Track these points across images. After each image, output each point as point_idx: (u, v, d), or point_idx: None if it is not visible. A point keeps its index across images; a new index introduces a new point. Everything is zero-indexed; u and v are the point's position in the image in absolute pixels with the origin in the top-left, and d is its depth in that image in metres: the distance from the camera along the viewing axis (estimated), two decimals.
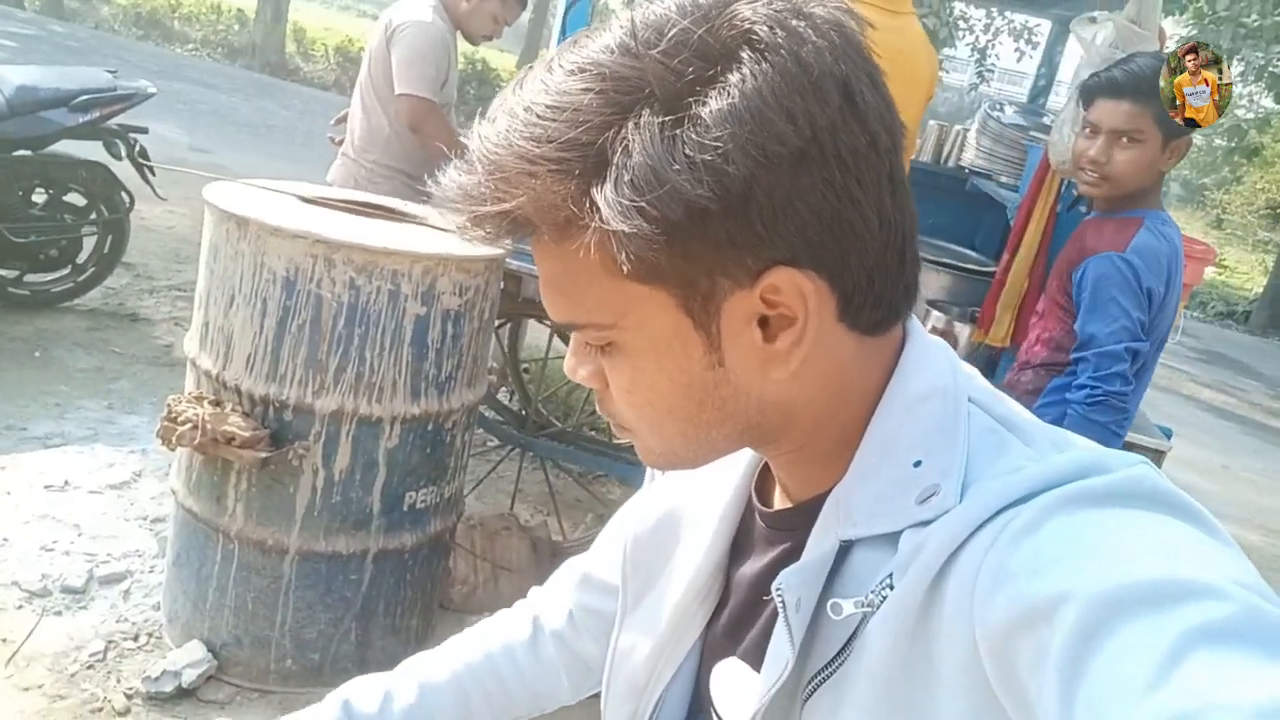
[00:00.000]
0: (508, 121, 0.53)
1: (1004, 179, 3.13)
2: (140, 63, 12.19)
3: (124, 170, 4.07)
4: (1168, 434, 2.60)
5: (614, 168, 0.50)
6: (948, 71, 19.44)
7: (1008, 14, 14.89)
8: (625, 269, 0.52)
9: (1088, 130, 1.95)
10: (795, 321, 0.55)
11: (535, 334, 3.88)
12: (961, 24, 15.63)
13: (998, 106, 3.33)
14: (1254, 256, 20.96)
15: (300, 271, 1.93)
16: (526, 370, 3.70)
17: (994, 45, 16.10)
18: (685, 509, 0.76)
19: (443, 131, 2.95)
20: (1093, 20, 2.11)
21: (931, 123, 3.90)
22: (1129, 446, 2.46)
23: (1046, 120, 3.23)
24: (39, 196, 3.94)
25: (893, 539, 0.57)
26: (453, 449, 2.24)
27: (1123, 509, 0.49)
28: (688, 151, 0.49)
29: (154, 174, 4.07)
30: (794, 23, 0.51)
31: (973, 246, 3.47)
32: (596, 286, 0.55)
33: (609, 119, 0.50)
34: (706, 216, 0.50)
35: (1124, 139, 1.88)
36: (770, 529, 0.68)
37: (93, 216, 4.05)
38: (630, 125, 0.50)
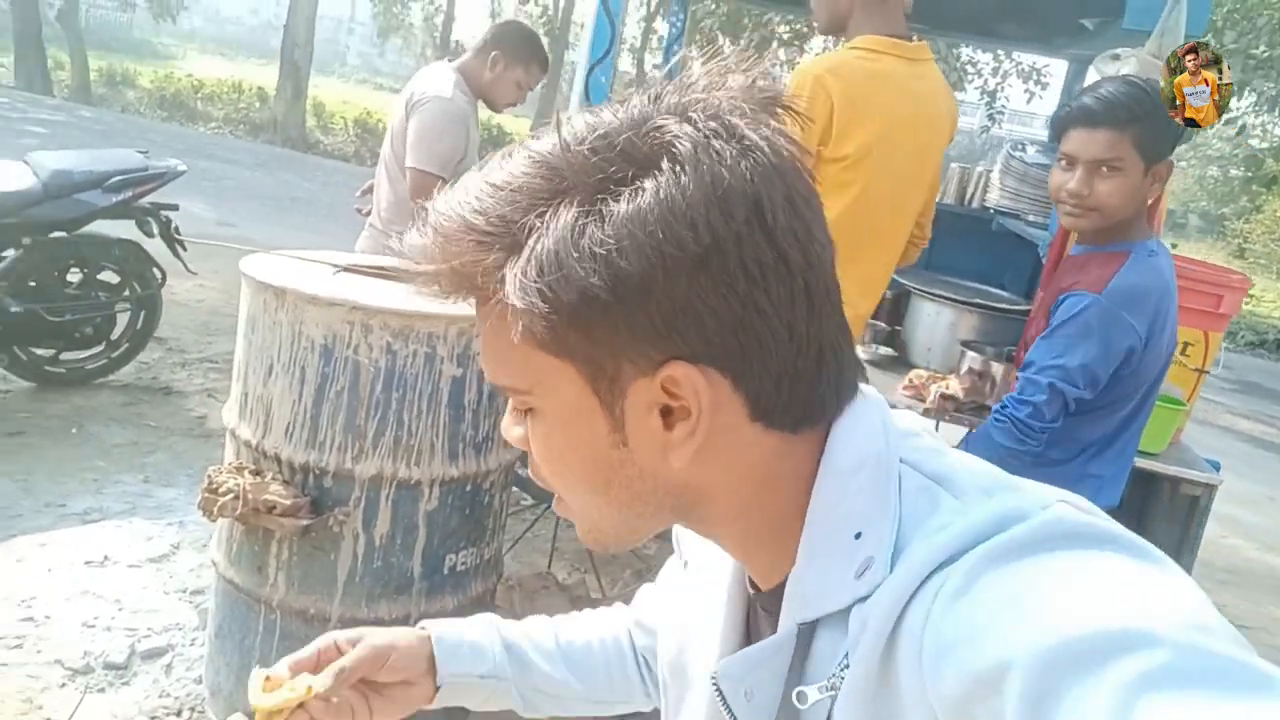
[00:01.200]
0: (462, 194, 0.58)
1: (1031, 217, 3.13)
2: (166, 143, 12.51)
3: (155, 247, 4.15)
4: (1216, 467, 2.55)
5: (527, 248, 0.54)
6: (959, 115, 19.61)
7: (1015, 57, 15.04)
8: (526, 340, 0.56)
9: (1064, 162, 1.87)
10: (690, 415, 0.58)
11: None
12: (970, 68, 15.82)
13: (1019, 146, 3.34)
14: (1279, 284, 20.78)
15: (338, 338, 1.95)
16: None
17: (1003, 87, 16.24)
18: (698, 605, 0.77)
19: None
20: (1116, 57, 2.12)
21: (953, 165, 3.91)
22: (1180, 484, 2.41)
23: None
24: (74, 276, 4.02)
25: (845, 618, 0.58)
26: (491, 509, 2.23)
27: (1046, 555, 0.50)
28: (590, 243, 0.53)
29: (185, 249, 4.16)
30: (717, 143, 0.55)
31: (1002, 286, 3.46)
32: (513, 352, 0.59)
33: (536, 203, 0.55)
34: (602, 305, 0.54)
35: (1104, 168, 1.80)
36: (765, 612, 0.68)
37: (126, 293, 4.12)
38: (550, 212, 0.54)
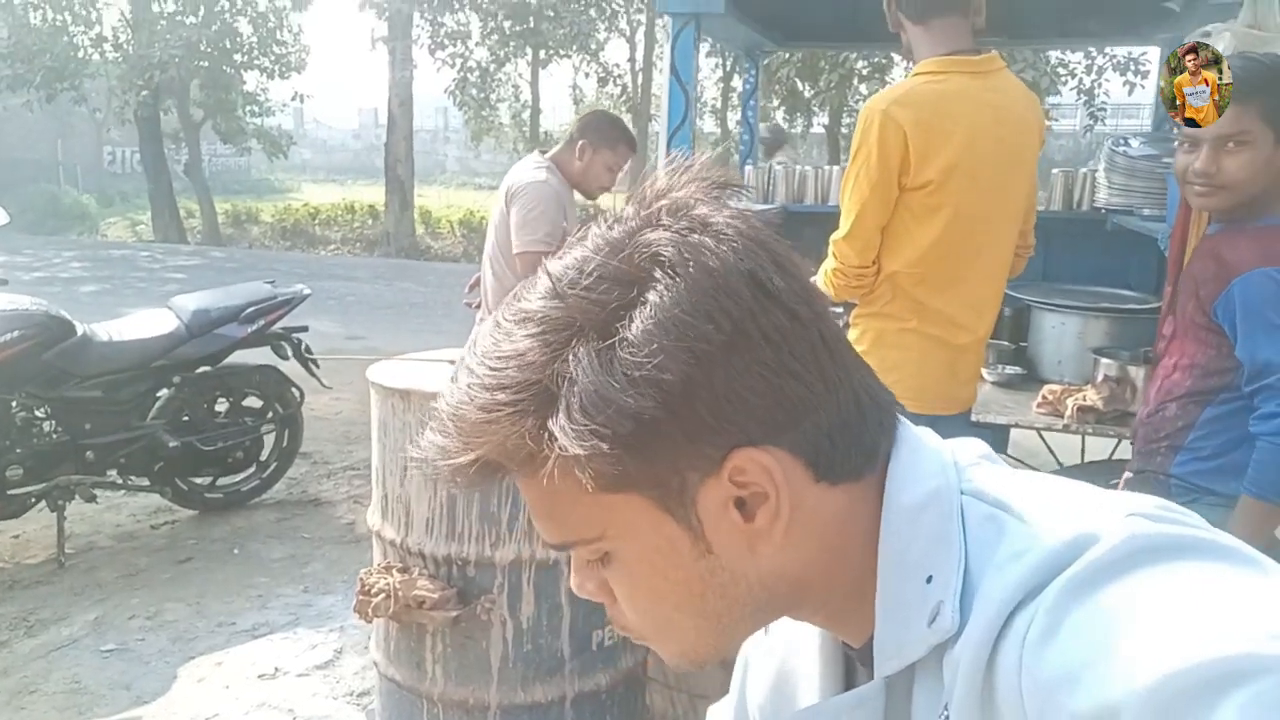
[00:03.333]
0: (467, 378, 0.58)
1: (1146, 211, 2.99)
2: (291, 269, 13.32)
3: (291, 368, 4.40)
4: None
5: (563, 398, 0.54)
6: (1056, 119, 19.01)
7: (1108, 51, 14.54)
8: (592, 486, 0.55)
9: (1185, 145, 1.81)
10: (769, 497, 0.57)
11: None
12: (1061, 69, 15.37)
13: (1122, 141, 3.21)
14: None
15: None
16: None
17: (1100, 84, 15.69)
18: (793, 660, 0.75)
19: None
20: (1207, 35, 2.04)
21: (1055, 171, 3.79)
22: None
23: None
24: (221, 405, 4.29)
25: (939, 666, 0.56)
26: None
27: (1128, 577, 0.49)
28: (625, 370, 0.53)
29: (318, 366, 4.40)
30: (695, 237, 0.56)
31: (1127, 286, 3.31)
32: (576, 506, 0.58)
33: (550, 357, 0.55)
34: (656, 423, 0.54)
35: (1230, 144, 1.73)
36: (863, 666, 0.66)
37: (270, 416, 4.37)
38: (570, 358, 0.54)
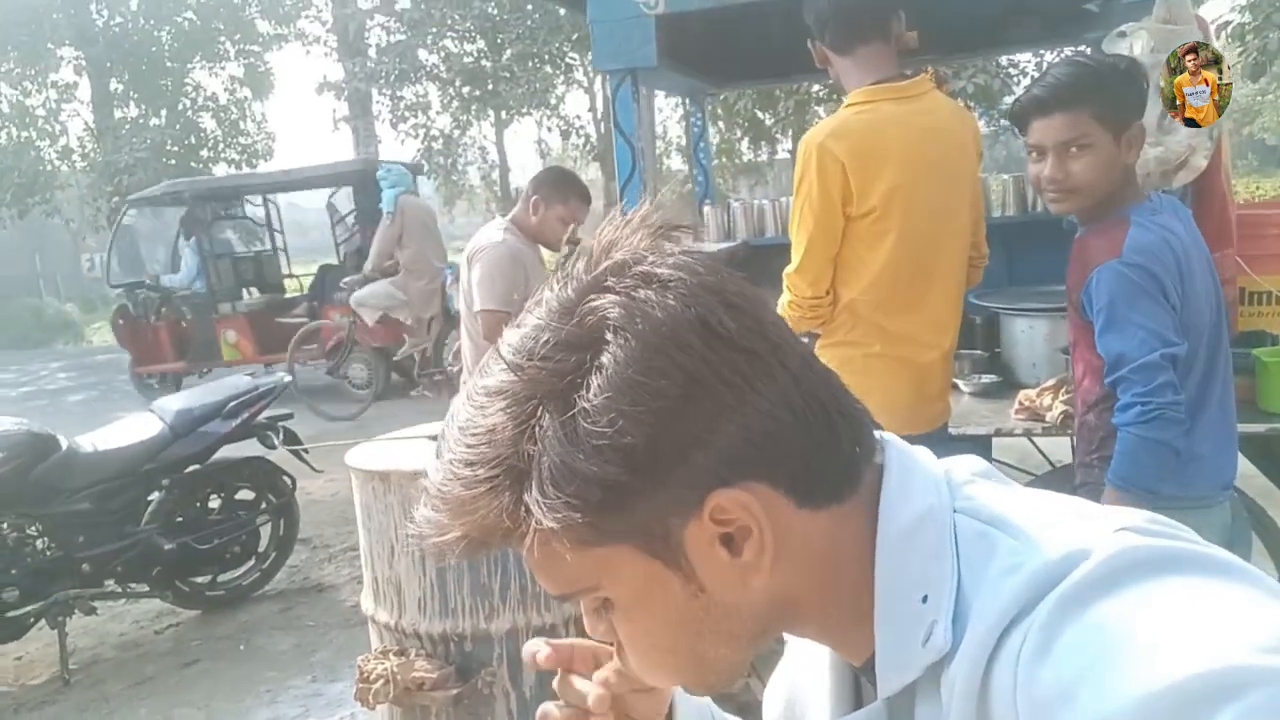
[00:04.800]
0: (448, 453, 0.60)
1: None
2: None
3: (280, 455, 4.40)
4: None
5: (534, 473, 0.56)
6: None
7: (1051, 52, 14.75)
8: (570, 551, 0.58)
9: (1034, 155, 1.88)
10: (752, 531, 0.58)
11: None
12: (1013, 69, 15.58)
13: None
14: None
15: None
16: None
17: None
18: (805, 676, 0.76)
19: None
20: (1123, 35, 2.09)
21: (1004, 176, 3.84)
22: None
23: None
24: (214, 502, 4.28)
25: (937, 686, 0.57)
26: None
27: (1119, 592, 0.50)
28: (588, 439, 0.55)
29: (308, 452, 4.40)
30: (641, 293, 0.57)
31: None
32: (565, 563, 0.59)
33: (517, 433, 0.57)
34: (625, 485, 0.55)
35: (1072, 149, 1.80)
36: (869, 683, 0.67)
37: (263, 507, 4.37)
38: (536, 430, 0.56)
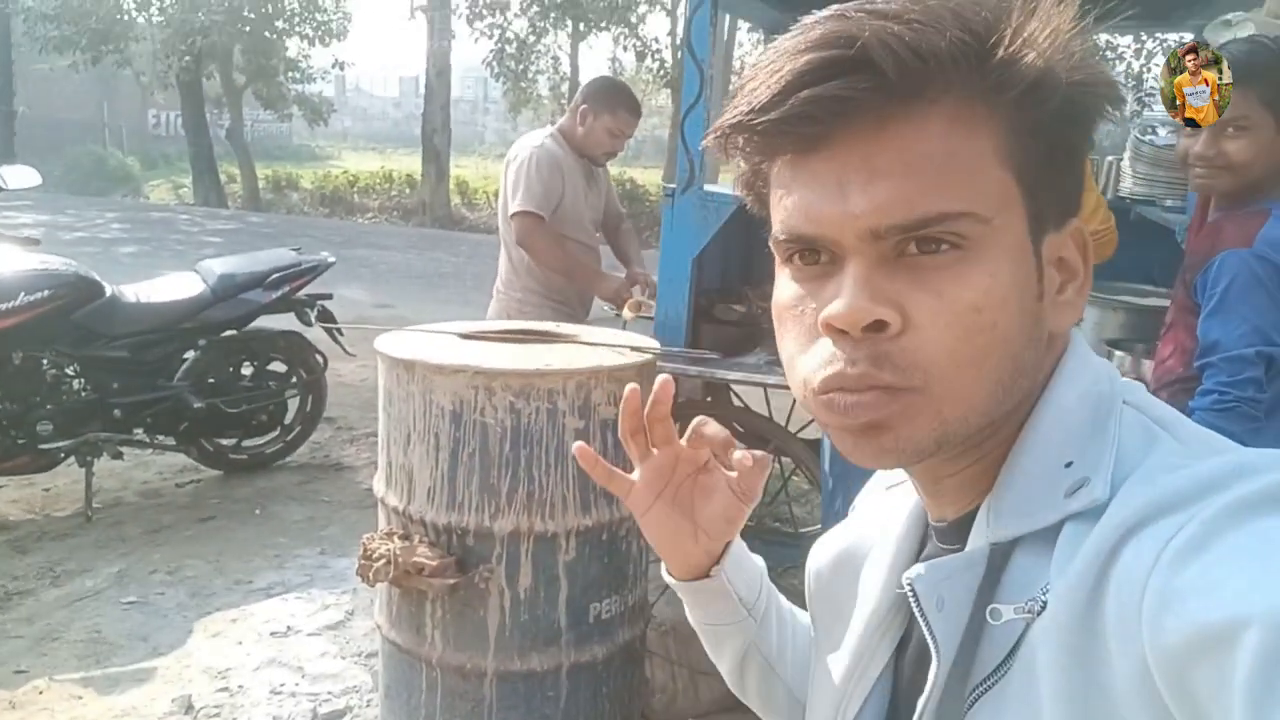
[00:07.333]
0: None
1: (1169, 202, 2.94)
2: (326, 236, 13.45)
3: (316, 334, 4.47)
4: None
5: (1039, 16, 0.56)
6: None
7: (1158, 35, 14.18)
8: (1007, 147, 0.55)
9: (1187, 129, 1.80)
10: (1077, 274, 0.60)
11: None
12: (1109, 53, 15.02)
13: (1149, 129, 3.15)
14: None
15: (464, 403, 2.05)
16: None
17: (1148, 69, 15.33)
18: (865, 541, 0.76)
19: (547, 247, 3.05)
20: (1228, 24, 2.00)
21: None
22: None
23: None
24: (246, 369, 4.37)
25: (1048, 545, 0.56)
26: (630, 556, 2.27)
27: None
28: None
29: (342, 334, 4.46)
30: None
31: (1150, 279, 3.25)
32: (982, 175, 0.54)
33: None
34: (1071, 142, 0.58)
35: (1229, 128, 1.74)
36: (941, 545, 0.67)
37: (294, 381, 4.45)
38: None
